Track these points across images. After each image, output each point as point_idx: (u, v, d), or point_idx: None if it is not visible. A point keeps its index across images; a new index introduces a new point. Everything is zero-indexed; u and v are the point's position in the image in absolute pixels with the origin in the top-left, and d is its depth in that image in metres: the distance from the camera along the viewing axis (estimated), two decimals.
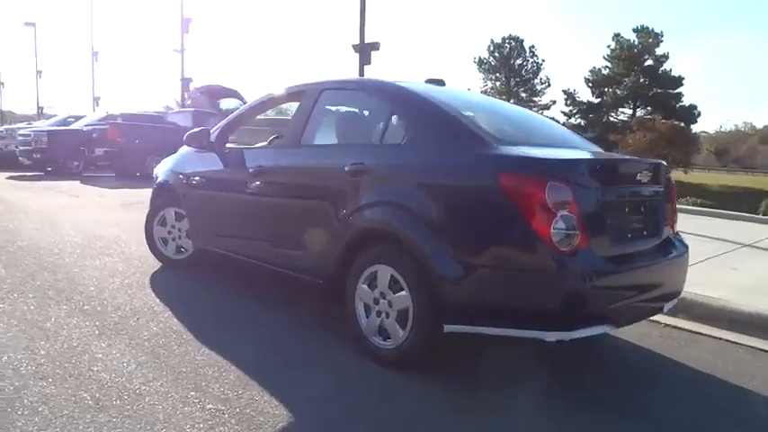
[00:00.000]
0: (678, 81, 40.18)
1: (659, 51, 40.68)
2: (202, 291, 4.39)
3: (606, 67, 42.59)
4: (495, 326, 2.75)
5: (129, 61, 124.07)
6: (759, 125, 69.11)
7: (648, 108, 40.00)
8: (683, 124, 30.05)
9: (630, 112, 41.10)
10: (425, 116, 3.19)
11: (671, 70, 40.22)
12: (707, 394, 3.08)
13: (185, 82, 27.74)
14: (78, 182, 12.78)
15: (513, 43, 50.48)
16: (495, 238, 2.72)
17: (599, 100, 42.68)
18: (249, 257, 4.10)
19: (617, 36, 42.18)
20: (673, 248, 3.28)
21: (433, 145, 3.06)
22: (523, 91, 50.16)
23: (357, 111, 4.12)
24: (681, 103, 39.99)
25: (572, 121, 43.63)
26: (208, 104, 11.88)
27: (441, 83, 3.88)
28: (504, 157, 2.81)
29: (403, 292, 2.97)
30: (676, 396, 2.98)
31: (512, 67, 50.14)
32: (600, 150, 3.74)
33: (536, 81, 49.83)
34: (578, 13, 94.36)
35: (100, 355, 3.06)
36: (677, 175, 22.62)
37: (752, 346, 3.75)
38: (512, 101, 49.44)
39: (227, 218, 4.27)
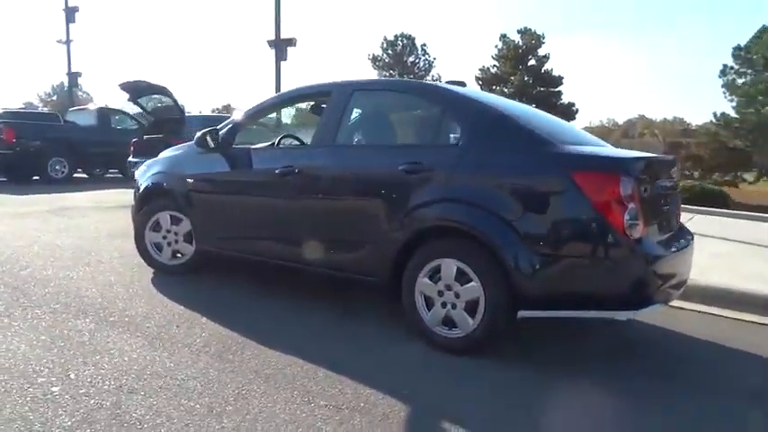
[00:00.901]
0: (558, 80, 43.22)
1: (541, 52, 43.50)
2: (216, 291, 4.28)
3: (494, 66, 44.85)
4: (568, 309, 3.01)
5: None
6: (620, 121, 75.81)
7: (534, 105, 42.67)
8: None
9: None
10: (483, 118, 3.38)
11: (552, 70, 43.20)
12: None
13: (72, 76, 25.83)
14: None
15: (406, 41, 51.68)
16: (569, 230, 2.98)
17: None
18: (277, 259, 4.07)
19: (503, 37, 44.57)
20: (684, 238, 3.68)
21: (496, 145, 3.26)
22: None
23: (400, 112, 4.19)
24: (561, 101, 43.03)
25: None
26: (128, 102, 11.21)
27: (462, 84, 4.07)
28: (576, 156, 3.09)
29: (472, 283, 3.15)
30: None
31: (405, 65, 51.30)
32: (620, 148, 4.10)
33: (428, 78, 51.33)
34: (468, 14, 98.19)
35: (171, 365, 2.96)
36: None
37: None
38: None
39: (250, 220, 4.19)
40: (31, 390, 2.61)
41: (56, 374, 2.78)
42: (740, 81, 35.66)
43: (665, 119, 67.81)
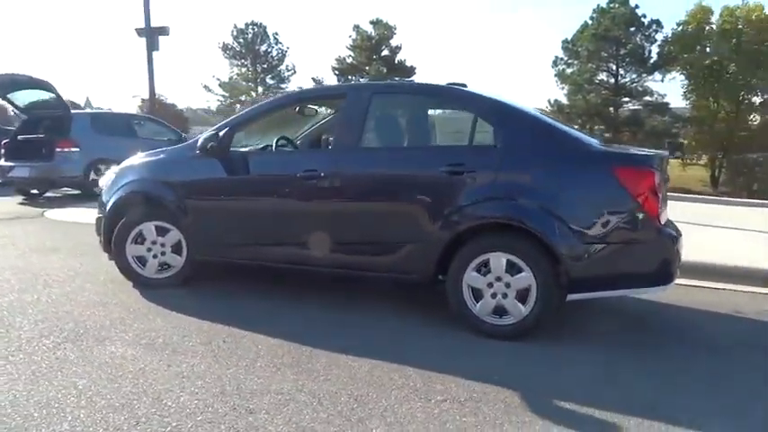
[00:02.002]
0: (412, 70, 45.04)
1: (394, 42, 44.97)
2: (225, 300, 4.13)
3: (350, 56, 45.50)
4: (611, 289, 3.43)
5: None
6: None
7: None
8: None
9: None
10: (521, 122, 3.68)
11: (405, 60, 44.89)
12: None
13: None
14: None
15: (257, 29, 50.41)
16: (612, 218, 3.37)
17: None
18: (297, 264, 4.03)
19: (357, 27, 45.32)
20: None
21: (539, 146, 3.56)
22: (271, 77, 50.60)
23: (429, 115, 4.28)
24: None
25: (323, 109, 45.71)
26: None
27: (463, 85, 4.30)
28: (616, 154, 3.51)
29: (523, 274, 3.44)
30: None
31: (257, 53, 50.09)
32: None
33: (282, 68, 50.67)
34: (324, 3, 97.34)
35: (260, 380, 2.89)
36: None
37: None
38: (260, 88, 49.65)
39: (265, 226, 4.09)
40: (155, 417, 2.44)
41: (159, 406, 2.61)
42: (569, 71, 39.84)
43: None
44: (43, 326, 3.62)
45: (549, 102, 39.60)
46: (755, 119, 35.24)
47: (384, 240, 3.78)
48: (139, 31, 15.79)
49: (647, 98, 37.97)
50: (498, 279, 3.51)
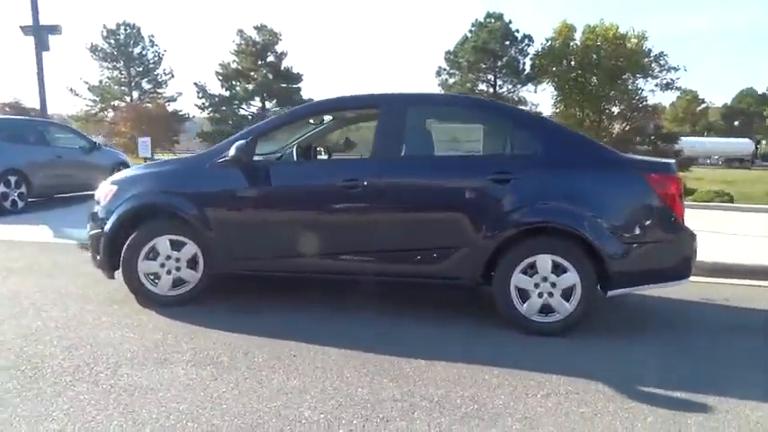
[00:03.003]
0: (298, 77, 44.73)
1: (279, 48, 44.40)
2: (254, 315, 4.00)
3: (234, 61, 44.20)
4: (644, 284, 3.82)
5: None
6: None
7: (275, 101, 43.49)
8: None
9: (260, 104, 43.89)
10: (557, 133, 3.98)
11: (292, 67, 44.45)
12: None
13: None
14: None
15: (129, 30, 47.55)
16: (646, 220, 3.77)
17: (229, 93, 44.08)
18: (333, 273, 4.03)
19: (240, 32, 44.16)
20: None
21: (576, 155, 3.87)
22: (147, 81, 47.86)
23: (465, 126, 4.41)
24: (301, 97, 44.62)
25: (205, 114, 44.06)
26: None
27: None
28: (644, 162, 3.90)
29: (568, 273, 3.72)
30: None
31: (130, 56, 47.20)
32: None
33: (159, 71, 48.12)
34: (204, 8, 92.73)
35: (365, 391, 2.91)
36: None
37: None
38: (135, 92, 46.79)
39: (300, 236, 4.02)
40: None
41: (287, 423, 2.54)
42: (451, 81, 41.81)
43: None
44: (78, 353, 3.33)
45: None
46: (614, 127, 39.17)
47: (432, 247, 3.89)
48: (26, 30, 14.36)
49: (523, 107, 40.74)
50: (545, 279, 3.76)
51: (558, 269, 3.75)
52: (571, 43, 38.72)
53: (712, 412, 2.79)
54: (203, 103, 43.88)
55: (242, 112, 44.12)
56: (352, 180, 3.93)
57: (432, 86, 44.91)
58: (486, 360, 3.31)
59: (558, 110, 39.93)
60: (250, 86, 43.66)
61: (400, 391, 2.90)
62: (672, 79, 35.06)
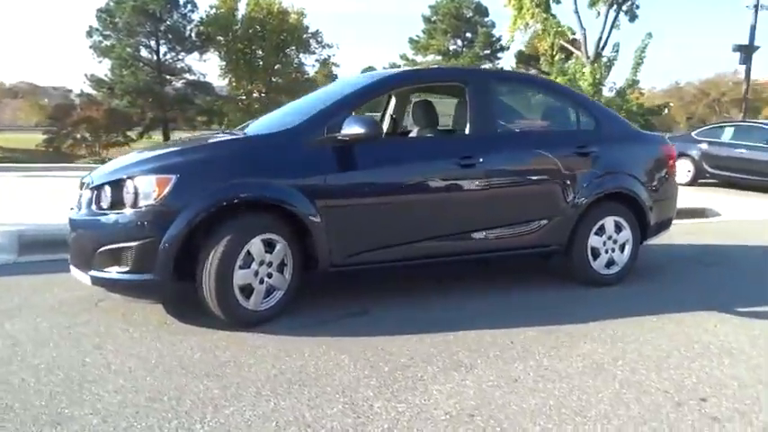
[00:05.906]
0: None
1: None
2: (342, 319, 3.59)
3: None
4: (658, 233, 4.81)
5: None
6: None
7: None
8: None
9: None
10: (603, 110, 4.64)
11: None
12: None
13: None
14: None
15: None
16: (663, 181, 4.72)
17: None
18: (438, 256, 3.95)
19: None
20: None
21: (620, 130, 4.60)
22: None
23: (538, 102, 4.42)
24: None
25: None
26: None
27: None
28: (656, 135, 4.80)
29: (623, 231, 4.46)
30: None
31: None
32: None
33: None
34: None
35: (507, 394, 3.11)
36: None
37: None
38: None
39: (419, 220, 3.75)
40: None
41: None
42: (107, 44, 37.10)
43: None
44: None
45: (86, 76, 36.47)
46: (283, 100, 41.08)
47: (534, 218, 4.13)
48: None
49: (189, 76, 39.07)
50: (610, 238, 4.43)
51: (617, 228, 4.45)
52: (237, 13, 38.75)
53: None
54: None
55: None
56: (467, 157, 3.85)
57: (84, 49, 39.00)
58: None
59: (227, 81, 39.77)
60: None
61: (554, 373, 3.21)
62: (328, 55, 38.62)
